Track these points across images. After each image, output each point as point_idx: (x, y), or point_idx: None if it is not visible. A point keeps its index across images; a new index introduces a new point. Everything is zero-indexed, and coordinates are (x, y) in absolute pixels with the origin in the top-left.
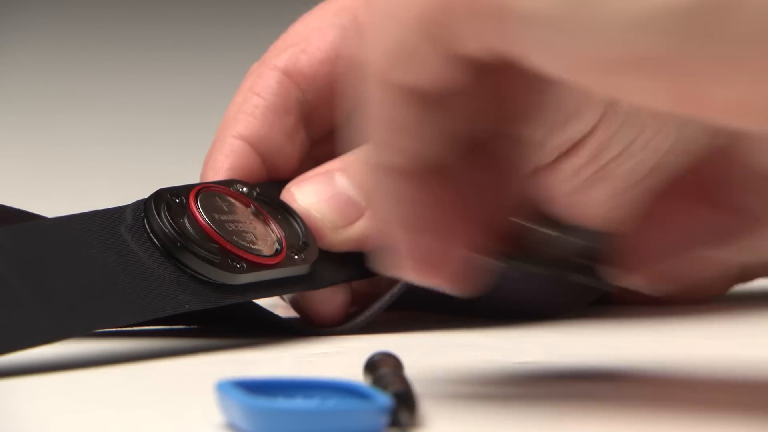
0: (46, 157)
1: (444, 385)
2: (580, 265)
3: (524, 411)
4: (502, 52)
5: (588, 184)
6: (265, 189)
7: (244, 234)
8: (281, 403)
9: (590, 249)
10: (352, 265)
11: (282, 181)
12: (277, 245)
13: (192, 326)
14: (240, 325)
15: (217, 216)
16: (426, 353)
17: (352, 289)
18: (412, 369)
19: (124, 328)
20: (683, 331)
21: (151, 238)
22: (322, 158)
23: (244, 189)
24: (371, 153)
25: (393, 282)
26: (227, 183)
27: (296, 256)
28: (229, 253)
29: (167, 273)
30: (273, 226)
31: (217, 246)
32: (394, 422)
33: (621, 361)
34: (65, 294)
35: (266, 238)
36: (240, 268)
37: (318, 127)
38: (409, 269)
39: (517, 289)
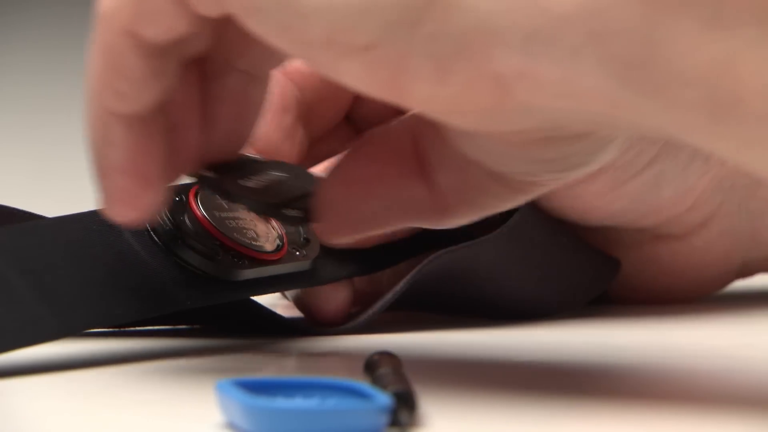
0: (46, 157)
1: (444, 384)
2: (283, 204)
3: (524, 411)
4: (232, 16)
5: (589, 177)
6: None
7: (245, 230)
8: (281, 402)
9: (299, 193)
10: (353, 261)
11: None
12: (278, 241)
13: (193, 326)
14: (240, 325)
15: (217, 213)
16: (426, 353)
17: (354, 288)
18: (411, 368)
19: (125, 328)
20: (683, 331)
21: (151, 236)
22: (320, 156)
23: None
24: (94, 96)
25: (394, 281)
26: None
27: (297, 252)
28: (231, 249)
29: (168, 271)
30: (274, 222)
31: (217, 243)
32: (394, 422)
33: (621, 361)
34: (66, 292)
35: (267, 234)
36: (241, 264)
37: (317, 126)
38: (107, 207)
39: (517, 289)
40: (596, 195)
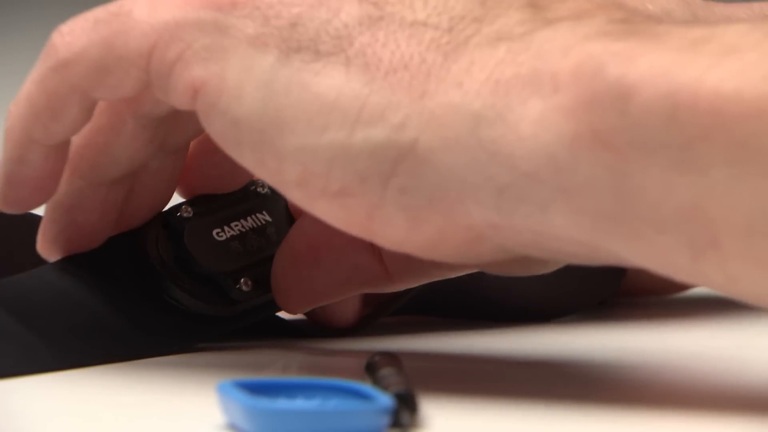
0: None
1: (445, 385)
2: (241, 270)
3: (524, 411)
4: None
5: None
6: None
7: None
8: (282, 403)
9: (266, 253)
10: None
11: None
12: None
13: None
14: (241, 326)
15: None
16: (427, 354)
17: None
18: (412, 369)
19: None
20: (683, 331)
21: (146, 269)
22: None
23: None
24: (21, 122)
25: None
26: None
27: None
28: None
29: (160, 313)
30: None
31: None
32: (395, 423)
33: (621, 361)
34: (54, 335)
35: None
36: (236, 296)
37: None
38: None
39: (523, 291)
40: None
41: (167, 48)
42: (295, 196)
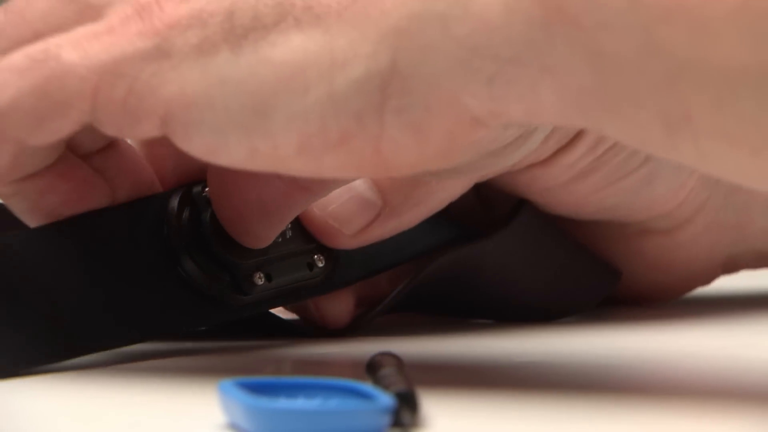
0: None
1: (445, 385)
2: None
3: (524, 411)
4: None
5: (583, 174)
6: None
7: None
8: (283, 403)
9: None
10: (357, 264)
11: None
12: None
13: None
14: (242, 326)
15: None
16: (427, 353)
17: (357, 293)
18: (413, 369)
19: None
20: (683, 331)
21: (162, 238)
22: None
23: None
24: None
25: (397, 283)
26: None
27: (321, 263)
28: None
29: (172, 288)
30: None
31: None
32: (396, 422)
33: (621, 361)
34: (64, 314)
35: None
36: (247, 287)
37: None
38: None
39: (523, 290)
40: (589, 191)
41: (113, 87)
42: (298, 166)
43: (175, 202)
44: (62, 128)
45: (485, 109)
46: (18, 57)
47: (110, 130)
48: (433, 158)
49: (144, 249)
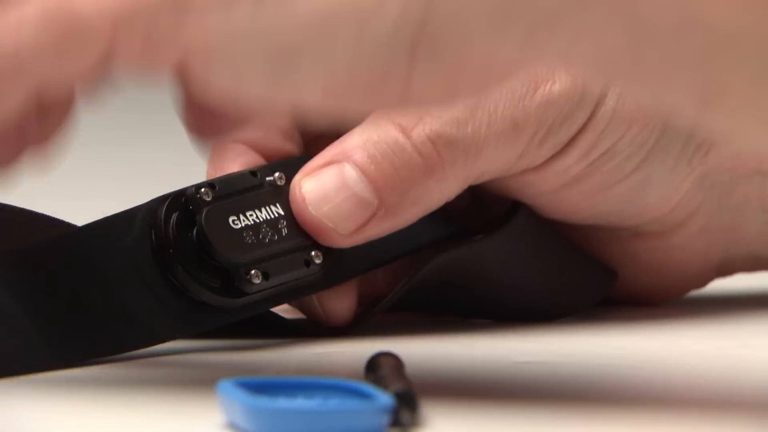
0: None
1: (445, 384)
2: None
3: (524, 411)
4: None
5: (576, 180)
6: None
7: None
8: (282, 403)
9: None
10: (357, 260)
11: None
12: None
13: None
14: (241, 325)
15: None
16: (427, 353)
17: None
18: (413, 369)
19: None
20: (682, 332)
21: (152, 254)
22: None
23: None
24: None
25: (393, 282)
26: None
27: (318, 260)
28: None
29: (168, 297)
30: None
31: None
32: (396, 422)
33: (621, 361)
34: (59, 322)
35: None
36: (246, 287)
37: (310, 129)
38: None
39: (521, 290)
40: (582, 197)
41: (130, 33)
42: (320, 106)
43: (162, 210)
44: (84, 64)
45: (518, 59)
46: (32, 6)
47: (129, 73)
48: (464, 97)
49: (137, 259)
